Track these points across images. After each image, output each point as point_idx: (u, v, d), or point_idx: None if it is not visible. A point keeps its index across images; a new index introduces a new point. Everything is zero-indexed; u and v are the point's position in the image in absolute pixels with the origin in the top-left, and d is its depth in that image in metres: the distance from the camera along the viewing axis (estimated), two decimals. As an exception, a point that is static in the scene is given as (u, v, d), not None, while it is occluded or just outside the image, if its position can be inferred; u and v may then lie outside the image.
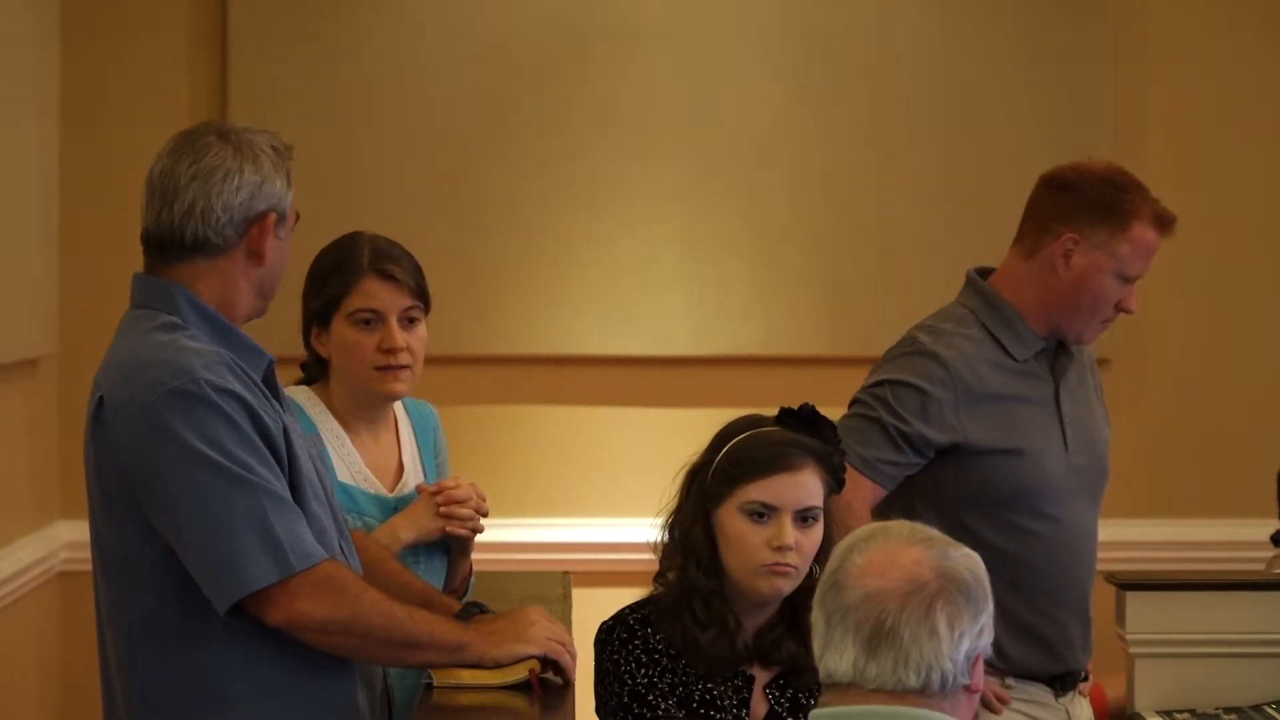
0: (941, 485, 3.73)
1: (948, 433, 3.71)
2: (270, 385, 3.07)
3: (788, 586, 3.20)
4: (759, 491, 3.18)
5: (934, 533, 2.51)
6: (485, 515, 3.66)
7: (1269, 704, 4.05)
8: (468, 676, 3.17)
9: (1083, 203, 3.75)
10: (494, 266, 5.54)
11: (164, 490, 2.92)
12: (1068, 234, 3.75)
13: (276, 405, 3.05)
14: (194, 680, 2.96)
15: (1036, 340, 3.80)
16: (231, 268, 3.04)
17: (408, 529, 3.57)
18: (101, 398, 2.98)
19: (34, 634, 5.30)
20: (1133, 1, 5.66)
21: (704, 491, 3.23)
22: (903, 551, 2.46)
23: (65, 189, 5.45)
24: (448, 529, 3.60)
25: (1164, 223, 3.78)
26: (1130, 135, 5.60)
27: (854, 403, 3.78)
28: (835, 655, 2.43)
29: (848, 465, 3.42)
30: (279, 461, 2.98)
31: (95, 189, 5.48)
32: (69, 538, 5.39)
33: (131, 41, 5.51)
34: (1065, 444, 3.81)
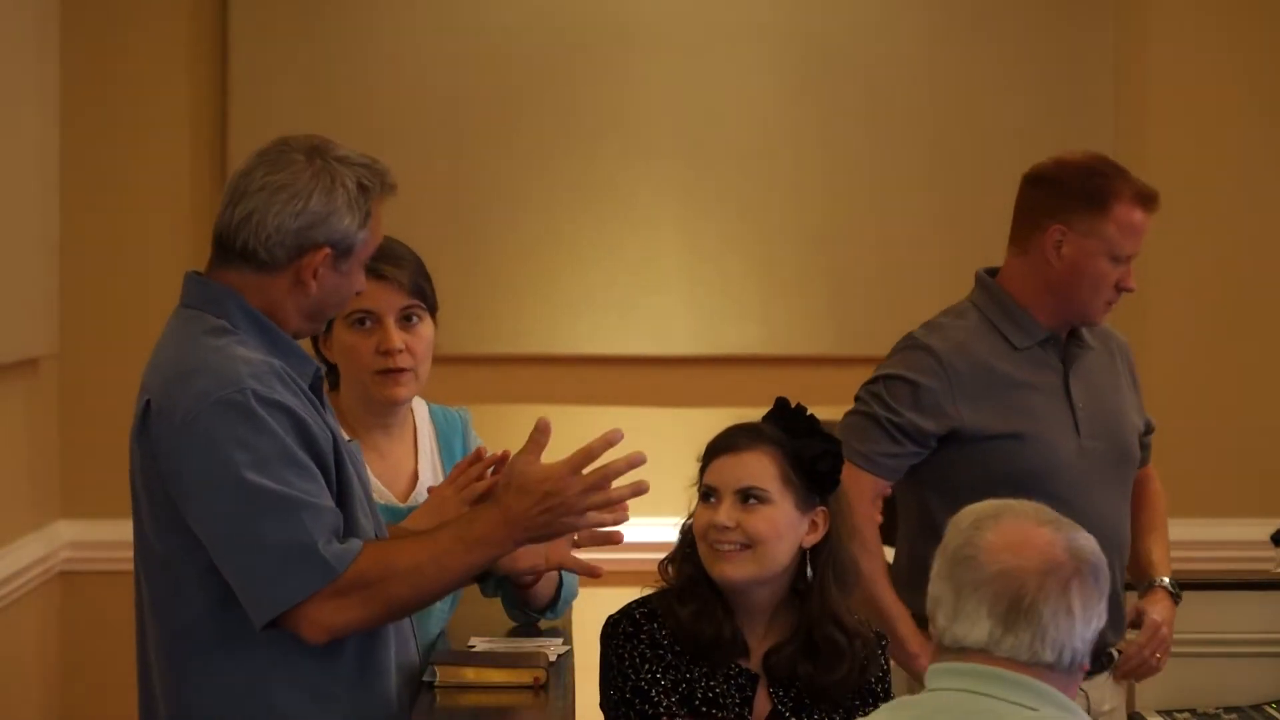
0: (948, 472, 3.81)
1: (943, 420, 3.80)
2: (318, 393, 3.04)
3: (731, 570, 3.21)
4: (707, 475, 3.27)
5: (1056, 514, 2.64)
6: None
7: (1269, 704, 4.06)
8: (471, 676, 3.17)
9: (1065, 194, 3.85)
10: (494, 266, 5.54)
11: (202, 500, 2.89)
12: (1054, 226, 3.84)
13: (324, 414, 3.03)
14: (239, 688, 2.94)
15: (1038, 329, 3.88)
16: (277, 287, 2.99)
17: None
18: (149, 402, 2.95)
19: (34, 634, 5.30)
20: (1133, 1, 5.66)
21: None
22: (1035, 531, 2.60)
23: (65, 189, 5.45)
24: None
25: (1146, 200, 3.86)
26: (1130, 135, 5.60)
27: (855, 401, 3.89)
28: (967, 624, 2.57)
29: (847, 461, 3.45)
30: (325, 472, 2.95)
31: (95, 189, 5.48)
32: (69, 538, 5.39)
33: (131, 41, 5.51)
34: (1076, 429, 3.86)
